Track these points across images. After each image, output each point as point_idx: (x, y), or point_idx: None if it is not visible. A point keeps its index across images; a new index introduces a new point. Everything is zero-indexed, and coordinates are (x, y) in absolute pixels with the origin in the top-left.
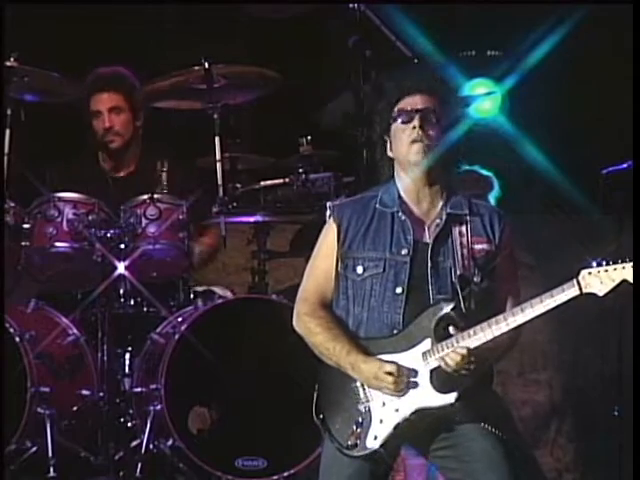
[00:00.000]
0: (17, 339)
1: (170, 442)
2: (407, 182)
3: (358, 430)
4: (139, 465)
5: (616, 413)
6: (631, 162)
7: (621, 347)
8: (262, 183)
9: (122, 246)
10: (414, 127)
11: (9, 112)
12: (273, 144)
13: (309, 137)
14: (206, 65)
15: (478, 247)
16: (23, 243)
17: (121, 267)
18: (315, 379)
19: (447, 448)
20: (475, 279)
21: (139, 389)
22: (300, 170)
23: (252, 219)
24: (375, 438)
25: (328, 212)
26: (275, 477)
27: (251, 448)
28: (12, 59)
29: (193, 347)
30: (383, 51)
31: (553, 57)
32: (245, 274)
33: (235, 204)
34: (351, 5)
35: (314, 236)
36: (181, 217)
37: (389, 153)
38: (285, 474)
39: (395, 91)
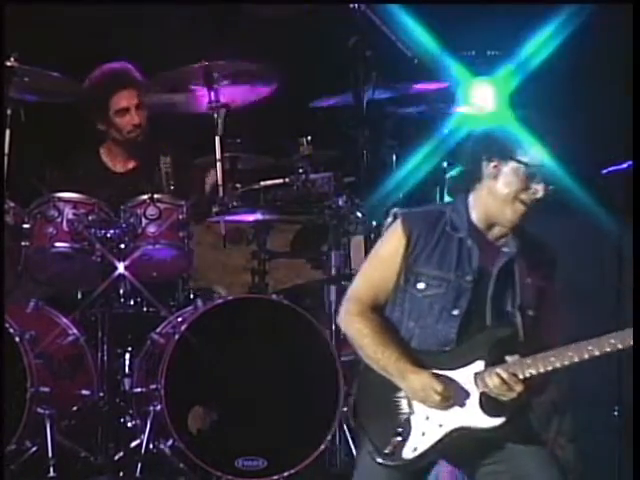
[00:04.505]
0: (17, 339)
1: (170, 442)
2: (482, 211)
3: (397, 439)
4: (139, 465)
5: (616, 413)
6: (631, 162)
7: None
8: (262, 183)
9: (122, 246)
10: (534, 193)
11: (9, 112)
12: (273, 144)
13: (309, 137)
14: (206, 64)
15: (537, 279)
16: (23, 243)
17: (121, 267)
18: (315, 379)
19: (496, 463)
20: (531, 311)
21: (139, 389)
22: (300, 170)
23: (252, 218)
24: (414, 450)
25: (398, 220)
26: (275, 477)
27: (251, 448)
28: (12, 59)
29: (193, 347)
30: (383, 51)
31: (553, 57)
32: (245, 274)
33: (235, 204)
34: (351, 5)
35: (314, 236)
36: (181, 217)
37: (484, 173)
38: (285, 474)
39: (538, 130)
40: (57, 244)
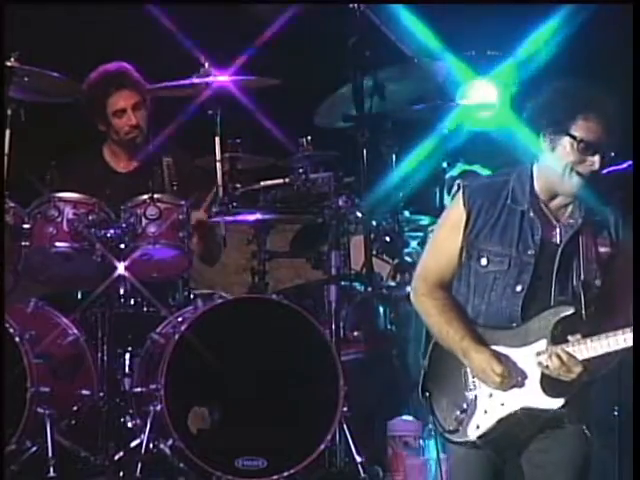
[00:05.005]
0: (17, 339)
1: (170, 442)
2: (543, 182)
3: (461, 416)
4: (139, 465)
5: (616, 413)
6: (631, 162)
7: None
8: (262, 183)
9: (122, 246)
10: (590, 165)
11: (9, 112)
12: (273, 144)
13: (309, 137)
14: (206, 66)
15: (603, 250)
16: (23, 243)
17: (121, 267)
18: (315, 379)
19: (546, 441)
20: (597, 282)
21: (139, 389)
22: (300, 170)
23: (252, 218)
24: (477, 427)
25: (461, 191)
26: (275, 477)
27: (251, 448)
28: (12, 59)
29: (193, 347)
30: (383, 51)
31: (553, 57)
32: (245, 274)
33: (235, 204)
34: (351, 5)
35: (314, 236)
36: (181, 217)
37: (542, 145)
38: (285, 474)
39: (591, 103)
40: (57, 244)
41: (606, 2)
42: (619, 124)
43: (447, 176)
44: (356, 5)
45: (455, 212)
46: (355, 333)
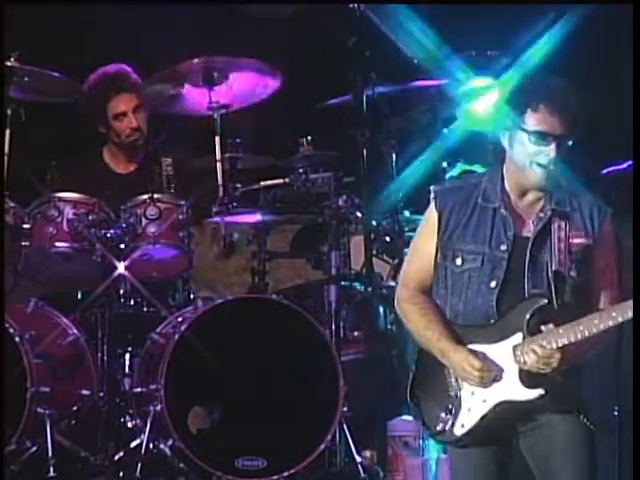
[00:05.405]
0: (17, 339)
1: (170, 442)
2: (512, 179)
3: (447, 417)
4: (139, 465)
5: (616, 413)
6: (631, 162)
7: (620, 347)
8: (262, 183)
9: (122, 246)
10: (547, 155)
11: (9, 112)
12: (273, 144)
13: (309, 137)
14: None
15: (576, 241)
16: (23, 243)
17: (121, 267)
18: (315, 379)
19: (533, 430)
20: (571, 273)
21: (139, 389)
22: (300, 170)
23: (252, 219)
24: (462, 426)
25: (432, 195)
26: (275, 477)
27: (251, 448)
28: (12, 59)
29: (193, 347)
30: (383, 51)
31: (553, 57)
32: (245, 274)
33: (235, 204)
34: (351, 5)
35: (314, 236)
36: (181, 217)
37: (504, 144)
38: (285, 474)
39: (537, 95)
40: (57, 244)
41: (606, 2)
42: (573, 110)
43: (447, 176)
44: (356, 5)
45: (429, 217)
46: (355, 333)
